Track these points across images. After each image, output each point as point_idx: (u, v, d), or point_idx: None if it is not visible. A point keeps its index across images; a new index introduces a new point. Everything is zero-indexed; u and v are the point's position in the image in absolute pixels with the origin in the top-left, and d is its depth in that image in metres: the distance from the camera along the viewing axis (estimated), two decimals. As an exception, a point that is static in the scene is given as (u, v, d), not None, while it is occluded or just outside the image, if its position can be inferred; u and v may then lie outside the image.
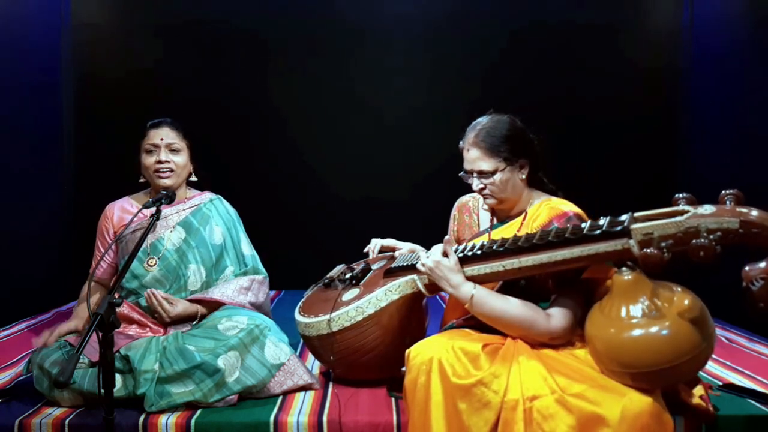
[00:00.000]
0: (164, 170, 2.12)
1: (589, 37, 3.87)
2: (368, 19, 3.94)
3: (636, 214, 1.43)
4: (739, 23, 3.26)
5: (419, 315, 1.95)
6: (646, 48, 3.92)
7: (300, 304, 2.07)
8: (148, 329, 2.02)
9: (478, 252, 1.64)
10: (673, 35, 3.86)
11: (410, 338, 1.79)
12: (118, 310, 1.53)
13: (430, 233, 2.16)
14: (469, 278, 1.65)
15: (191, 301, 2.08)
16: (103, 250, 2.18)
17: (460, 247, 1.71)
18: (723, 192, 1.30)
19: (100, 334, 1.36)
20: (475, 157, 1.79)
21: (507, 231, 1.83)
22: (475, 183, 1.82)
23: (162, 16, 3.90)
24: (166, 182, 2.13)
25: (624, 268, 1.46)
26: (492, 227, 1.91)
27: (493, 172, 1.78)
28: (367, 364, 1.88)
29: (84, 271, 2.16)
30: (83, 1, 3.84)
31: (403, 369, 1.62)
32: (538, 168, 1.87)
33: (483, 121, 1.84)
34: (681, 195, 1.36)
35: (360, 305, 1.82)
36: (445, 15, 3.93)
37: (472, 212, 2.02)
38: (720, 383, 1.96)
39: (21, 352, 2.37)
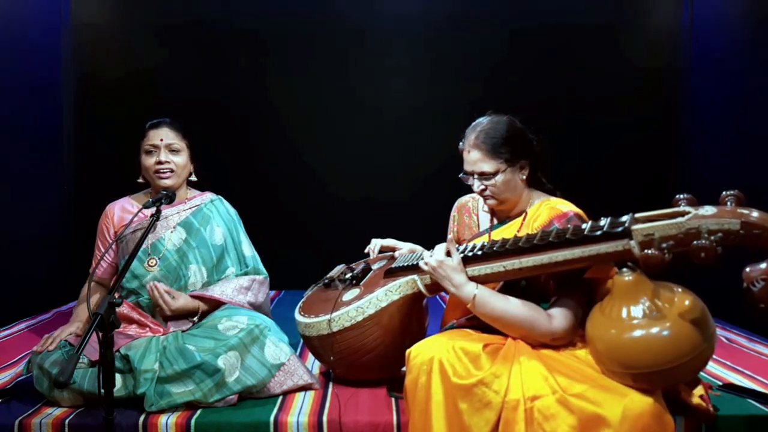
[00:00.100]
0: (164, 171, 2.12)
1: (589, 37, 3.87)
2: (368, 19, 3.94)
3: (637, 215, 1.43)
4: (739, 23, 3.26)
5: (419, 315, 1.95)
6: (646, 48, 3.92)
7: (300, 304, 2.06)
8: (147, 329, 2.02)
9: (479, 252, 1.64)
10: (673, 35, 3.86)
11: (410, 338, 1.79)
12: (118, 310, 1.52)
13: (430, 233, 2.16)
14: (470, 279, 1.65)
15: (192, 297, 2.08)
16: (103, 250, 2.18)
17: (461, 248, 1.71)
18: (724, 193, 1.30)
19: (100, 334, 1.36)
20: (476, 159, 1.79)
21: (507, 231, 1.83)
22: (476, 184, 1.81)
23: (162, 16, 3.90)
24: (166, 183, 2.12)
25: (625, 269, 1.46)
26: (492, 228, 1.91)
27: (495, 174, 1.78)
28: (368, 364, 1.88)
29: (84, 271, 2.16)
30: (83, 1, 3.83)
31: (404, 369, 1.62)
32: (538, 168, 1.87)
33: (483, 122, 1.84)
34: (682, 196, 1.36)
35: (360, 305, 1.82)
36: (445, 15, 3.93)
37: (471, 213, 2.02)
38: (720, 383, 1.96)
39: (21, 352, 2.37)
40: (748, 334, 2.63)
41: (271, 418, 1.75)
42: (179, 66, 3.90)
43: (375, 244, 2.14)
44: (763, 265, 1.21)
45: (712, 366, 2.15)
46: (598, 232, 1.45)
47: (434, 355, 1.52)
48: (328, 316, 1.85)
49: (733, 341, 2.52)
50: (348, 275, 2.04)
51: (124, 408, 1.76)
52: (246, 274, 2.22)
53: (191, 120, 2.30)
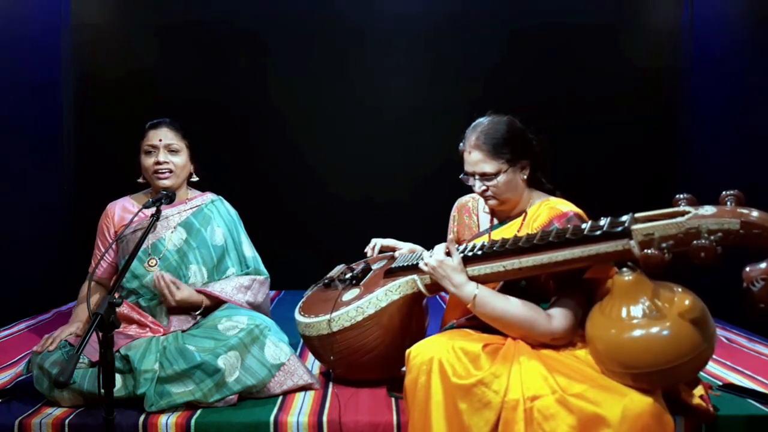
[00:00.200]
0: (163, 171, 2.12)
1: (589, 37, 3.87)
2: (368, 19, 3.94)
3: (637, 215, 1.43)
4: (739, 23, 3.26)
5: (419, 315, 1.95)
6: (646, 48, 3.92)
7: (300, 304, 2.06)
8: (148, 329, 2.02)
9: (479, 252, 1.64)
10: (673, 35, 3.86)
11: (410, 338, 1.79)
12: (118, 310, 1.53)
13: (430, 233, 2.16)
14: (470, 278, 1.65)
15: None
16: (103, 250, 2.18)
17: (460, 248, 1.71)
18: (724, 193, 1.30)
19: (100, 334, 1.36)
20: (477, 160, 1.78)
21: (507, 231, 1.83)
22: (477, 185, 1.81)
23: (162, 16, 3.90)
24: (165, 183, 2.12)
25: (625, 269, 1.46)
26: (492, 228, 1.91)
27: (496, 174, 1.77)
28: (367, 364, 1.88)
29: (84, 271, 2.16)
30: (83, 1, 3.83)
31: (403, 369, 1.62)
32: (538, 168, 1.87)
33: (483, 122, 1.84)
34: (682, 196, 1.36)
35: (360, 305, 1.82)
36: (446, 15, 3.93)
37: (471, 213, 2.02)
38: (720, 383, 1.96)
39: (21, 352, 2.37)
40: (748, 334, 2.63)
41: (271, 418, 1.75)
42: (179, 66, 3.90)
43: (375, 243, 2.14)
44: (762, 265, 1.21)
45: (712, 366, 2.15)
46: (598, 232, 1.45)
47: (434, 355, 1.52)
48: (328, 316, 1.85)
49: (733, 341, 2.52)
50: (348, 275, 2.04)
51: (124, 408, 1.76)
52: (247, 274, 2.22)
53: (191, 120, 2.30)
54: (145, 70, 3.91)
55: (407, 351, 1.59)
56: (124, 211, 2.20)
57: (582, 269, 1.58)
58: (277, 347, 1.93)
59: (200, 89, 3.87)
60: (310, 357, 2.23)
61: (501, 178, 1.78)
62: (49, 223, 3.50)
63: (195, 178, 2.25)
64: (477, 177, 1.81)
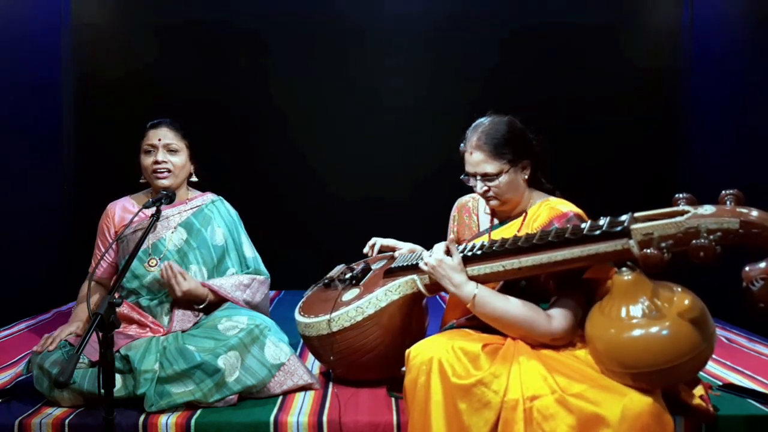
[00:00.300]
0: (161, 171, 2.12)
1: (589, 37, 3.87)
2: (368, 19, 3.94)
3: (636, 215, 1.43)
4: (739, 23, 3.26)
5: (419, 315, 1.95)
6: (646, 48, 3.92)
7: (300, 304, 2.07)
8: (148, 329, 2.02)
9: (479, 252, 1.64)
10: (673, 35, 3.86)
11: (410, 338, 1.79)
12: (118, 310, 1.53)
13: (430, 233, 2.16)
14: (470, 278, 1.65)
15: None
16: (103, 250, 2.18)
17: (460, 247, 1.71)
18: (723, 192, 1.30)
19: (100, 334, 1.36)
20: (478, 160, 1.78)
21: (507, 231, 1.83)
22: (479, 186, 1.81)
23: (162, 16, 3.90)
24: (164, 183, 2.12)
25: (624, 269, 1.46)
26: (492, 228, 1.91)
27: (498, 175, 1.77)
28: (367, 364, 1.88)
29: (84, 271, 2.17)
30: (83, 1, 3.84)
31: (403, 369, 1.62)
32: (538, 168, 1.87)
33: (483, 122, 1.84)
34: (681, 195, 1.36)
35: (360, 305, 1.82)
36: (445, 15, 3.93)
37: (471, 213, 2.02)
38: (720, 383, 1.96)
39: (21, 352, 2.37)
40: (748, 334, 2.63)
41: (271, 418, 1.75)
42: (179, 66, 3.90)
43: (375, 243, 2.14)
44: (762, 264, 1.21)
45: (712, 366, 2.15)
46: (597, 232, 1.45)
47: (433, 355, 1.52)
48: (327, 316, 1.85)
49: (733, 341, 2.52)
50: (348, 275, 2.04)
51: (124, 408, 1.76)
52: (248, 275, 2.22)
53: (191, 120, 2.30)
54: (145, 70, 3.91)
55: (407, 351, 1.59)
56: (124, 211, 2.20)
57: (581, 269, 1.58)
58: (277, 347, 1.93)
59: (200, 89, 3.87)
60: (310, 357, 2.23)
61: (502, 178, 1.78)
62: (49, 223, 3.50)
63: (195, 179, 2.25)
64: (478, 177, 1.80)
